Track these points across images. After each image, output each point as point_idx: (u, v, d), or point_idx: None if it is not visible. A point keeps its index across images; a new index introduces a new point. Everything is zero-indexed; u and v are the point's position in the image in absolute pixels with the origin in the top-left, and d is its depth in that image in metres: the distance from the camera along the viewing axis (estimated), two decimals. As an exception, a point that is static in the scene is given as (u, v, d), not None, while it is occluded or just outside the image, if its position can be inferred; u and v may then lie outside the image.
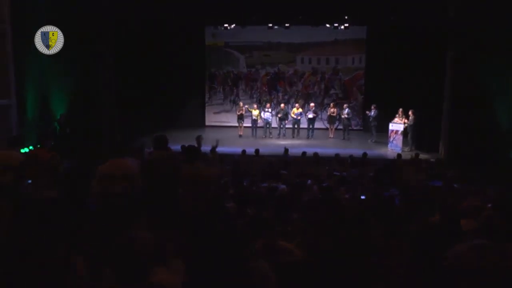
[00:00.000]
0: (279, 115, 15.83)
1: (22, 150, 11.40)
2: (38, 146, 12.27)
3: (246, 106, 16.61)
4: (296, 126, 15.75)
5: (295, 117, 15.69)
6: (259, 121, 15.85)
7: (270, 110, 16.23)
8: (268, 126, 15.89)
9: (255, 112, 15.88)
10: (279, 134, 15.87)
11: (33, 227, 2.51)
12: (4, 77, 10.88)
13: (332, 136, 15.97)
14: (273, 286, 2.55)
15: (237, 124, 16.27)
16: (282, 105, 16.28)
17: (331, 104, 16.37)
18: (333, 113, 15.91)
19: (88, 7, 12.74)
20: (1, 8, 10.66)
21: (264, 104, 17.06)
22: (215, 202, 4.60)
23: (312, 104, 16.14)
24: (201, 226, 3.45)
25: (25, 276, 2.22)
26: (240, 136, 15.94)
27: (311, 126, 15.72)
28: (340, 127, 16.16)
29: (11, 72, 10.98)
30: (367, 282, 2.81)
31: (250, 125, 15.98)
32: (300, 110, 15.94)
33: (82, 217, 3.32)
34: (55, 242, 2.30)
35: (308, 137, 15.57)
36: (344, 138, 15.53)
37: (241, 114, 16.02)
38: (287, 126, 15.95)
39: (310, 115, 15.71)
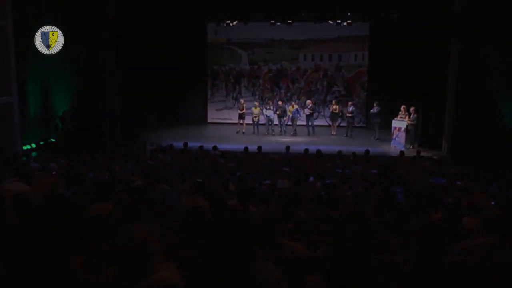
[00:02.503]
0: (277, 112, 15.80)
1: (24, 147, 11.50)
2: (41, 143, 12.38)
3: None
4: (294, 123, 15.71)
5: (290, 115, 15.69)
6: (260, 117, 15.85)
7: (272, 107, 16.19)
8: (270, 123, 15.88)
9: (256, 111, 15.87)
10: (280, 131, 15.86)
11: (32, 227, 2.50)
12: (5, 74, 10.88)
13: (334, 133, 15.94)
14: (279, 286, 2.54)
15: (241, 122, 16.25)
16: (280, 102, 16.26)
17: (333, 101, 16.31)
18: (335, 110, 15.87)
19: (89, 4, 12.74)
20: (2, 4, 10.65)
21: (266, 101, 17.04)
22: (216, 200, 4.59)
23: (309, 101, 16.08)
24: (204, 224, 3.44)
25: (26, 274, 2.22)
26: (243, 133, 15.95)
27: (309, 123, 15.70)
28: (343, 124, 16.13)
29: (12, 69, 10.98)
30: (370, 279, 2.80)
31: (251, 122, 15.98)
32: (296, 107, 15.89)
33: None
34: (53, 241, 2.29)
35: (308, 134, 15.55)
36: (347, 135, 15.49)
37: (242, 113, 16.02)
38: (288, 123, 15.93)
39: (307, 112, 15.67)
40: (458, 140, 12.50)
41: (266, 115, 15.84)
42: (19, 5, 10.95)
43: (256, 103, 16.41)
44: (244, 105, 16.26)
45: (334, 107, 15.89)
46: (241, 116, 16.04)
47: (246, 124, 16.11)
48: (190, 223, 3.41)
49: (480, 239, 3.30)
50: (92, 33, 13.10)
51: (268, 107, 16.02)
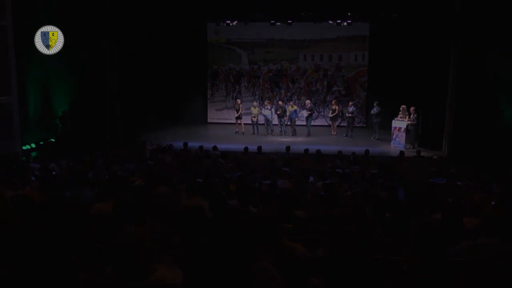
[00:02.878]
0: (277, 112, 15.80)
1: (24, 147, 11.50)
2: (41, 143, 12.38)
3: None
4: (292, 123, 15.69)
5: (289, 115, 15.69)
6: (259, 118, 15.85)
7: (269, 107, 16.20)
8: (268, 123, 15.87)
9: (255, 111, 15.86)
10: (280, 131, 15.85)
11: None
12: (5, 74, 10.87)
13: (334, 133, 15.93)
14: (278, 286, 2.54)
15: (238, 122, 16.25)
16: (280, 102, 16.26)
17: (333, 101, 16.31)
18: (335, 110, 15.86)
19: (89, 4, 12.74)
20: (2, 4, 10.64)
21: (264, 101, 17.03)
22: (216, 200, 4.58)
23: (307, 101, 16.07)
24: (204, 224, 3.44)
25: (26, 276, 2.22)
26: (243, 133, 15.94)
27: (308, 123, 15.67)
28: (343, 124, 16.12)
29: (12, 69, 10.97)
30: (370, 279, 2.79)
31: (250, 122, 15.99)
32: (295, 107, 15.89)
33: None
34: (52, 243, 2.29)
35: (308, 134, 15.54)
36: (347, 135, 15.49)
37: (239, 114, 16.02)
38: (287, 123, 15.92)
39: (305, 114, 15.66)
40: (458, 140, 12.50)
41: (264, 115, 15.81)
42: (19, 5, 10.94)
43: (255, 103, 16.41)
44: (241, 105, 16.28)
45: (333, 107, 15.88)
46: (238, 117, 16.06)
47: (246, 124, 16.11)
48: (190, 223, 3.41)
49: (480, 239, 3.29)
50: (92, 33, 13.09)
51: (265, 107, 16.01)
